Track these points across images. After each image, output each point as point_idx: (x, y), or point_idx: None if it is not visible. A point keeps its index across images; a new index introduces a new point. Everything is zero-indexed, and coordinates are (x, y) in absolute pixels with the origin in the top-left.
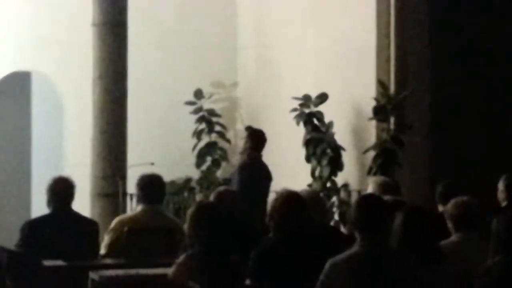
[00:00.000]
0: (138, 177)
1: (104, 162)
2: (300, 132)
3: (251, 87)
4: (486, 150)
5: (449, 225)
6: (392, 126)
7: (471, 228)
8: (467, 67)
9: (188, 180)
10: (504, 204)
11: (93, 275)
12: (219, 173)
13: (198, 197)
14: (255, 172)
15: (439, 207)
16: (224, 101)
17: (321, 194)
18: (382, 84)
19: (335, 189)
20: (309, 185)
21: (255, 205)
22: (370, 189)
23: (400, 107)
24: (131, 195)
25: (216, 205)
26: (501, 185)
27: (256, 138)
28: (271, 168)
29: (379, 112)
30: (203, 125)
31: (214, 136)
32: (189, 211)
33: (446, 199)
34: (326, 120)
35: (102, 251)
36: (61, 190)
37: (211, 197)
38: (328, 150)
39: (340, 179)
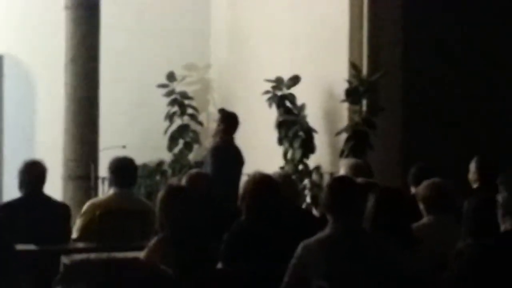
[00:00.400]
0: (110, 160)
1: (76, 145)
2: (272, 114)
3: (224, 69)
4: (459, 132)
5: (421, 207)
6: (364, 109)
7: (443, 210)
8: (440, 49)
9: (160, 163)
10: (475, 186)
11: (65, 259)
12: (191, 156)
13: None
14: (227, 155)
15: (412, 189)
16: (196, 83)
17: (293, 177)
18: (354, 66)
19: (307, 172)
20: (281, 168)
21: (228, 188)
22: (342, 171)
23: (373, 89)
24: (103, 179)
25: (188, 188)
26: (472, 167)
27: (229, 121)
28: (244, 150)
29: (352, 95)
30: (175, 108)
31: (186, 119)
32: (159, 194)
33: (419, 181)
34: (299, 102)
35: (74, 235)
36: (33, 173)
37: (183, 180)
38: (300, 133)
39: (312, 161)
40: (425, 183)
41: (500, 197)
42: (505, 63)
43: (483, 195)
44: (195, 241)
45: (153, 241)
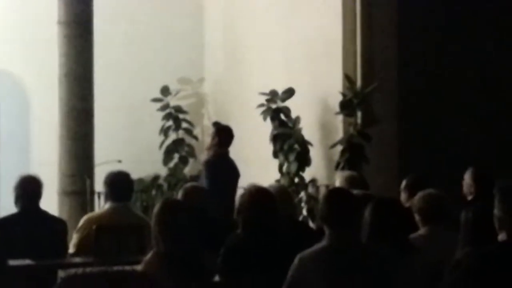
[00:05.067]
0: (105, 174)
1: (71, 160)
2: (267, 127)
3: (218, 83)
4: (454, 144)
5: (417, 218)
6: (359, 121)
7: (439, 221)
8: (436, 60)
9: (155, 178)
10: (470, 197)
11: (61, 274)
12: (187, 170)
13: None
14: (222, 168)
15: (403, 198)
16: (191, 97)
17: (289, 190)
18: (348, 79)
19: (303, 185)
20: (277, 181)
21: (223, 201)
22: (337, 184)
23: (367, 101)
24: (99, 193)
25: (183, 202)
26: (468, 178)
27: (223, 134)
28: (239, 164)
29: (346, 107)
30: (170, 122)
31: (181, 133)
32: (154, 209)
33: (412, 192)
34: (293, 115)
35: (71, 250)
36: (29, 188)
37: (179, 194)
38: (296, 146)
39: (307, 174)
40: (420, 194)
41: (495, 210)
42: (505, 76)
43: (480, 205)
44: (190, 255)
45: (149, 255)
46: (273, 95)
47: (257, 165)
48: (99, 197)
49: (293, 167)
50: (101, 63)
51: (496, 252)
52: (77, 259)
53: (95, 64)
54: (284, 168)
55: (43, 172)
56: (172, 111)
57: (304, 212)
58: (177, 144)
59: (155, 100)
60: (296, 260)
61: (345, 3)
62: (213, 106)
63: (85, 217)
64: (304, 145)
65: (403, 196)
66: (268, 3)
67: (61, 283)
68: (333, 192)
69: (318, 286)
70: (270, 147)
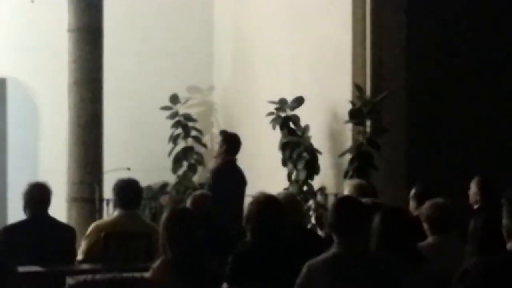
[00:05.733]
0: (114, 182)
1: (80, 168)
2: (276, 136)
3: (227, 91)
4: (462, 153)
5: (425, 227)
6: (368, 129)
7: (447, 230)
8: (443, 70)
9: (164, 185)
10: (476, 206)
11: (70, 280)
12: (196, 178)
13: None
14: (229, 176)
15: (412, 207)
16: (200, 105)
17: (298, 198)
18: (358, 88)
19: (311, 193)
20: (286, 189)
21: (230, 209)
22: (346, 192)
23: (376, 110)
24: (108, 201)
25: (191, 210)
26: (474, 187)
27: (231, 142)
28: (247, 172)
29: (355, 115)
30: (179, 130)
31: (190, 141)
32: (162, 217)
33: (420, 201)
34: (302, 123)
35: (80, 257)
36: (38, 195)
37: (188, 202)
38: (305, 154)
39: (316, 182)
40: (428, 203)
41: (504, 219)
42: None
43: (488, 214)
44: (198, 262)
45: (157, 262)
46: (282, 104)
47: (266, 173)
48: (107, 204)
49: (302, 175)
50: (110, 71)
51: (505, 261)
52: (86, 266)
53: (105, 72)
54: (293, 176)
55: (52, 179)
56: (182, 119)
57: (313, 220)
58: (186, 152)
59: (165, 108)
60: (304, 268)
61: (354, 12)
62: (222, 114)
63: (93, 224)
64: (313, 153)
65: (411, 205)
66: (277, 12)
67: None
68: (342, 201)
69: None
70: (279, 155)
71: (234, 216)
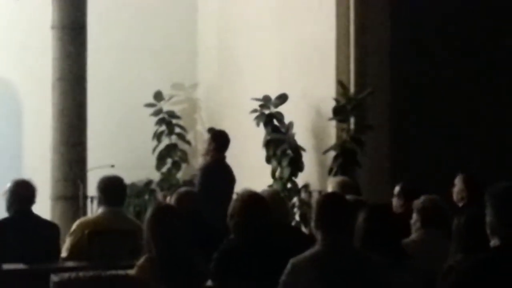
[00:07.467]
0: (98, 179)
1: (64, 165)
2: (260, 133)
3: (211, 88)
4: (447, 149)
5: (416, 218)
6: (352, 126)
7: (436, 225)
8: (429, 66)
9: (148, 183)
10: (461, 204)
11: (54, 278)
12: (180, 175)
13: (160, 195)
14: (219, 174)
15: (395, 204)
16: (184, 102)
17: (282, 195)
18: (341, 85)
19: (295, 190)
20: (270, 186)
21: (219, 206)
22: (330, 189)
23: (360, 107)
24: (92, 198)
25: (175, 207)
26: (459, 184)
27: (220, 140)
28: (232, 169)
29: (339, 113)
30: (163, 127)
31: (174, 138)
32: (147, 214)
33: (408, 198)
34: (286, 121)
35: (64, 254)
36: (22, 193)
37: (172, 199)
38: (289, 151)
39: (300, 179)
40: (426, 196)
41: (487, 217)
42: (497, 81)
43: (472, 211)
44: (183, 259)
45: (141, 260)
46: (266, 101)
47: (250, 170)
48: (92, 201)
49: (286, 173)
50: (94, 68)
51: (489, 258)
52: (70, 263)
53: (89, 69)
54: (277, 173)
55: (35, 177)
56: (165, 116)
57: (297, 217)
58: (170, 149)
59: (148, 105)
60: (288, 265)
61: (338, 10)
62: (206, 112)
63: (77, 222)
64: (297, 150)
65: (395, 202)
66: (262, 9)
67: (54, 287)
68: (326, 197)
69: None
70: (263, 153)
71: (224, 214)
